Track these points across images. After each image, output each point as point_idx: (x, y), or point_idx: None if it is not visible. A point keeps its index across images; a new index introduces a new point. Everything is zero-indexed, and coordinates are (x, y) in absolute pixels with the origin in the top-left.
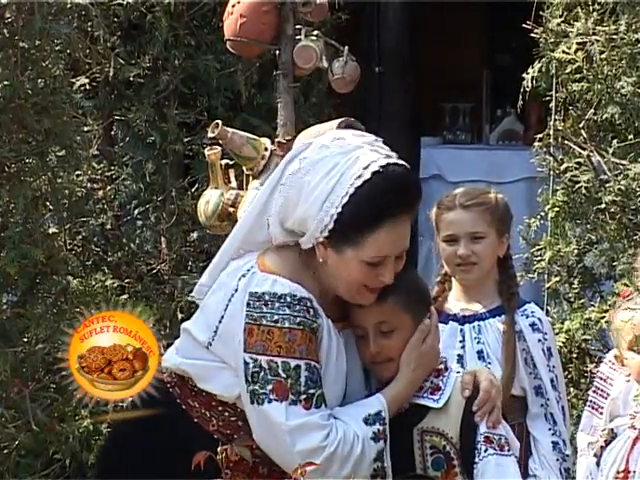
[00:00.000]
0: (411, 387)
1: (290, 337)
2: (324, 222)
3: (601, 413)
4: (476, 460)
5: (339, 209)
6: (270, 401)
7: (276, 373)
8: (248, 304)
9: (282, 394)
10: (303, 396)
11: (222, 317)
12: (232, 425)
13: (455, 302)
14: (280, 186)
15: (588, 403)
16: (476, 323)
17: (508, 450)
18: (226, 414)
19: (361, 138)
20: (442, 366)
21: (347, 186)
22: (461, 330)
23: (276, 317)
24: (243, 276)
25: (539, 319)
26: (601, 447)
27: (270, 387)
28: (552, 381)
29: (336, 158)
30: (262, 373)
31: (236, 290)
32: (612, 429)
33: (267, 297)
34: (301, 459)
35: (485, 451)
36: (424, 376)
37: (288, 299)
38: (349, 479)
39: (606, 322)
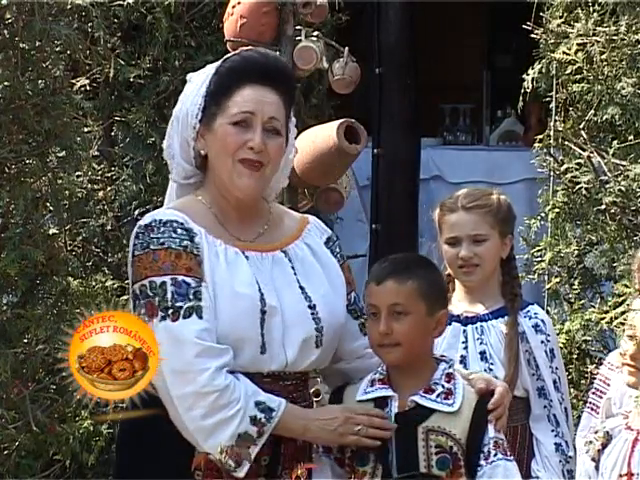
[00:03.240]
0: (303, 428)
1: (154, 257)
2: (197, 104)
3: (599, 414)
4: (481, 463)
5: (207, 83)
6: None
7: (146, 295)
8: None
9: (152, 312)
10: (170, 310)
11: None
12: None
13: (458, 303)
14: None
15: (587, 404)
16: (479, 324)
17: (510, 455)
18: None
19: None
20: (451, 370)
21: (214, 68)
22: (464, 331)
23: (144, 244)
24: None
25: (542, 320)
26: (598, 450)
27: (143, 310)
28: (555, 382)
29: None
30: (137, 300)
31: None
32: (607, 432)
33: (138, 230)
34: (175, 384)
35: (494, 455)
36: (316, 438)
37: (153, 224)
38: (204, 437)
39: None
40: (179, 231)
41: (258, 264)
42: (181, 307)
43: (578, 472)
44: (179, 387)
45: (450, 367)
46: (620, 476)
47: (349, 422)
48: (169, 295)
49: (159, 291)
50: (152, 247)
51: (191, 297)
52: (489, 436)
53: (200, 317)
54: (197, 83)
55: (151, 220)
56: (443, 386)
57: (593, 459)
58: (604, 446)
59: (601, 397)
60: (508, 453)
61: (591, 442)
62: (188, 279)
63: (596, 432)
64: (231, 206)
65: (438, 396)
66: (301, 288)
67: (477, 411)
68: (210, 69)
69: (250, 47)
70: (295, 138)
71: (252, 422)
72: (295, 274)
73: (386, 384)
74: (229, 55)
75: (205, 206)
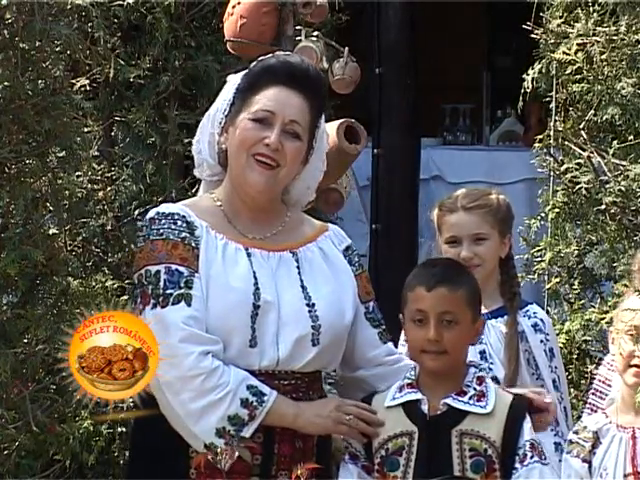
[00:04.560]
0: (295, 415)
1: (152, 247)
2: (227, 99)
3: None
4: (517, 465)
5: (239, 80)
6: (141, 312)
7: (142, 284)
8: None
9: (146, 300)
10: (161, 297)
11: None
12: None
13: None
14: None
15: (587, 405)
16: None
17: (545, 459)
18: None
19: None
20: (483, 373)
21: (249, 68)
22: None
23: (145, 236)
24: None
25: (541, 320)
26: (589, 451)
27: (139, 299)
28: (554, 382)
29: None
30: (135, 290)
31: None
32: (595, 432)
33: (143, 224)
34: (162, 370)
35: (531, 458)
36: (309, 425)
37: (155, 217)
38: (194, 420)
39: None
40: (179, 223)
41: (262, 261)
42: (171, 294)
43: (566, 474)
44: (166, 373)
45: (481, 371)
46: (625, 476)
47: (340, 409)
48: (162, 283)
49: (153, 279)
50: (152, 238)
51: (182, 285)
52: (525, 439)
53: (189, 305)
54: (232, 82)
55: (155, 213)
56: (475, 388)
57: (584, 460)
58: (593, 447)
59: (601, 398)
60: (543, 456)
61: (572, 442)
62: (181, 268)
63: (576, 432)
64: (246, 206)
65: (470, 398)
66: (303, 287)
67: (511, 413)
68: (246, 70)
69: (288, 52)
70: None
71: (243, 404)
72: (299, 274)
73: (415, 388)
74: (265, 57)
75: (215, 203)
